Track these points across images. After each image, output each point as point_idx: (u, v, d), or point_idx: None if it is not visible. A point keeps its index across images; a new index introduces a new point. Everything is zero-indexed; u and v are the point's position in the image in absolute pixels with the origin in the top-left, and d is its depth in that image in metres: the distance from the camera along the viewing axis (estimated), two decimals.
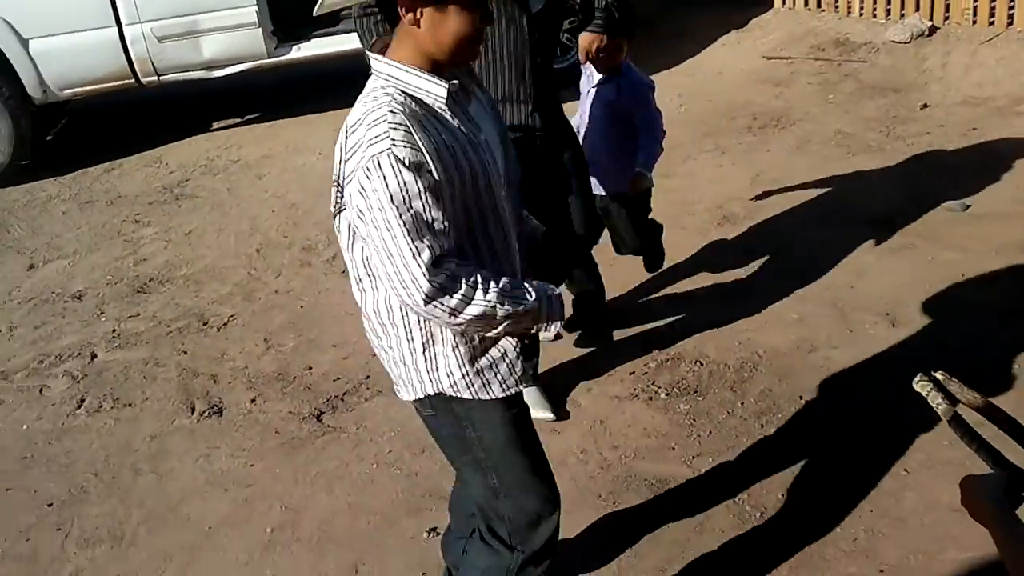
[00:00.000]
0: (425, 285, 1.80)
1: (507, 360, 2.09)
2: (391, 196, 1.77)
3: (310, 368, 4.14)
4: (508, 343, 2.07)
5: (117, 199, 6.47)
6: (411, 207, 1.78)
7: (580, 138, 3.67)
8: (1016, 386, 3.37)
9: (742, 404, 3.49)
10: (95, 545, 3.25)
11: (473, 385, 2.08)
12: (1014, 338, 3.64)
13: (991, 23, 6.62)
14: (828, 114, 6.20)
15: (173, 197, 6.38)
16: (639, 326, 4.08)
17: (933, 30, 6.82)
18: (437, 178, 1.80)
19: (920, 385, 1.89)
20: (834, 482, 3.06)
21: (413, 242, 1.78)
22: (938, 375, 1.89)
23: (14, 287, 5.30)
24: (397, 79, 1.88)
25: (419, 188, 1.77)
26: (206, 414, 3.89)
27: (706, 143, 5.95)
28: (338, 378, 4.03)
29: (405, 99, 1.85)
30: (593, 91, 3.79)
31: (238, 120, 7.82)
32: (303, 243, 5.40)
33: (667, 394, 3.59)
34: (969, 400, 1.82)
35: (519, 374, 2.11)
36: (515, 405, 2.18)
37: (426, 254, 1.79)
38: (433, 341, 2.03)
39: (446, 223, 1.83)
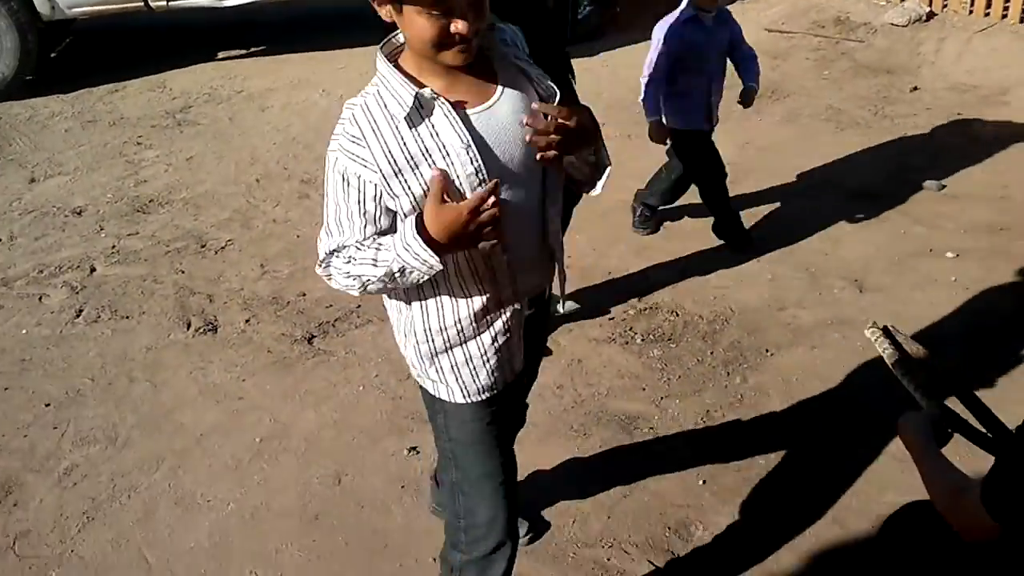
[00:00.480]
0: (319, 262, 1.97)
1: (470, 366, 2.05)
2: (327, 184, 1.90)
3: (304, 294, 4.29)
4: (474, 348, 2.04)
5: (119, 120, 6.57)
6: (334, 199, 1.88)
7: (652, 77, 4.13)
8: (964, 352, 3.56)
9: (711, 353, 3.67)
10: (90, 444, 3.42)
11: (437, 384, 2.09)
12: (971, 310, 3.83)
13: (987, 14, 6.76)
14: (822, 89, 6.35)
15: (175, 122, 6.49)
16: (622, 274, 4.26)
17: (931, 16, 6.96)
18: (367, 181, 1.83)
19: (871, 332, 2.08)
20: (794, 430, 3.25)
21: (326, 227, 1.93)
22: (888, 326, 2.07)
23: (15, 199, 5.41)
24: (383, 77, 1.85)
25: (342, 187, 1.85)
26: (201, 330, 4.05)
27: None
28: (330, 305, 4.18)
29: (377, 101, 1.84)
30: (702, 34, 4.12)
31: (243, 51, 7.90)
32: (302, 176, 5.54)
33: (642, 340, 3.77)
34: (912, 350, 2.02)
35: (483, 382, 2.07)
36: (485, 411, 2.10)
37: (324, 242, 1.94)
38: (405, 332, 2.08)
39: (361, 219, 1.87)
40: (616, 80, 6.79)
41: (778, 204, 4.80)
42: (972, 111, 5.80)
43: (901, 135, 5.55)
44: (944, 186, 4.84)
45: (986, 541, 1.56)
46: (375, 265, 1.86)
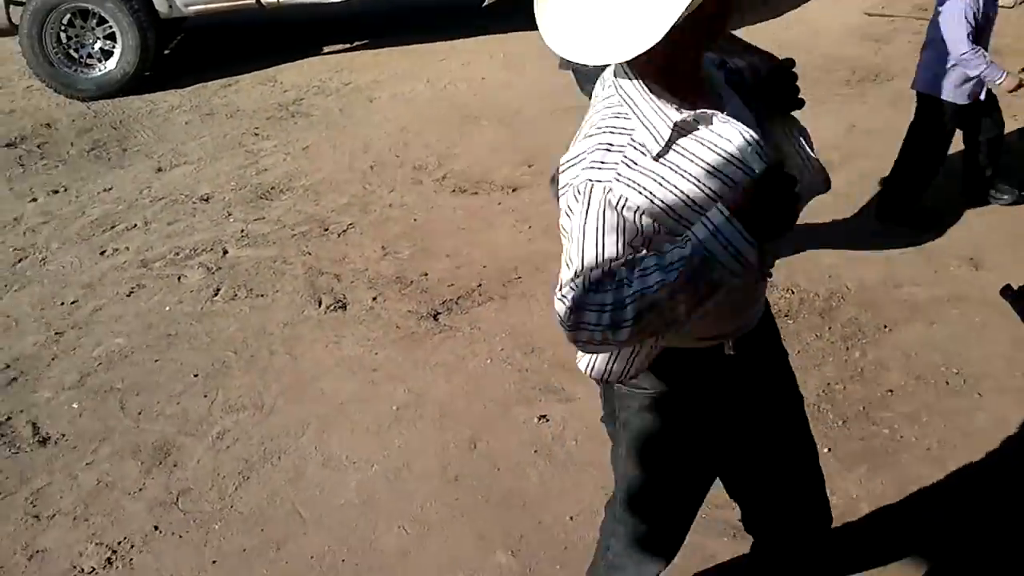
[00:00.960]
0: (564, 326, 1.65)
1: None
2: (584, 223, 1.63)
3: (426, 274, 4.48)
4: None
5: (236, 112, 6.86)
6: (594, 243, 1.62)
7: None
8: None
9: (829, 329, 3.76)
10: (239, 411, 3.66)
11: None
12: None
13: None
14: None
15: (289, 114, 6.75)
16: None
17: None
18: (633, 224, 1.62)
19: (1009, 293, 2.18)
20: (912, 401, 3.33)
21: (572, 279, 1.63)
22: (1013, 285, 2.18)
23: (144, 187, 5.71)
24: (632, 101, 1.65)
25: (606, 229, 1.62)
26: (332, 308, 4.27)
27: (803, 94, 6.12)
28: (452, 284, 4.37)
29: (630, 136, 1.63)
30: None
31: (347, 46, 8.15)
32: (414, 163, 5.74)
33: None
34: None
35: None
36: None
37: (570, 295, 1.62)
38: None
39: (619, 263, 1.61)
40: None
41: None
42: None
43: (1013, 119, 5.53)
44: None
45: None
46: (662, 271, 1.54)
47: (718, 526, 2.85)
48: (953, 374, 3.44)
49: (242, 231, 5.04)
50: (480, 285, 4.33)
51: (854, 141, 5.36)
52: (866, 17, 7.41)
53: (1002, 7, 6.82)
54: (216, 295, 4.45)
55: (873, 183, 4.84)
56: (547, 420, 3.41)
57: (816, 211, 4.55)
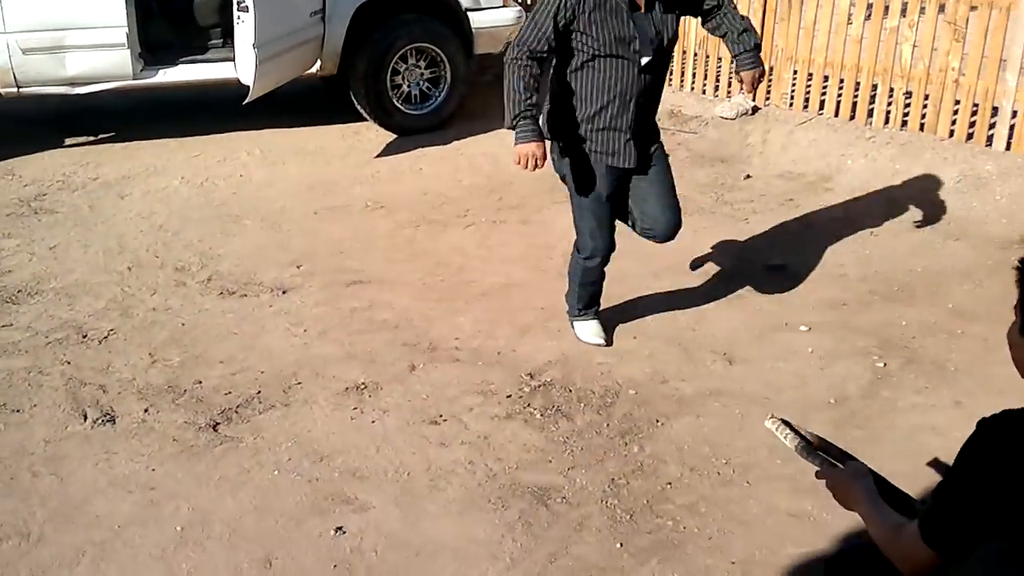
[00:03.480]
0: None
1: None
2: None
3: (200, 382, 4.33)
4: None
5: None
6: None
7: None
8: (834, 419, 4.00)
9: (608, 425, 3.96)
10: (1, 541, 3.36)
11: None
12: (831, 379, 4.29)
13: (805, 107, 7.52)
14: None
15: (32, 211, 6.37)
16: (511, 353, 4.52)
17: (755, 110, 7.66)
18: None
19: (771, 422, 2.43)
20: (690, 492, 3.56)
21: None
22: (783, 418, 2.43)
23: None
24: None
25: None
26: (99, 421, 4.02)
27: (557, 194, 6.47)
28: (229, 392, 4.25)
29: None
30: None
31: (92, 137, 7.82)
32: (175, 263, 5.56)
33: (542, 415, 4.02)
34: (811, 437, 2.37)
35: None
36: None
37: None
38: None
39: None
40: (473, 167, 7.17)
41: (640, 284, 5.16)
42: (801, 197, 6.45)
43: (743, 220, 6.11)
44: (786, 265, 5.37)
45: (924, 573, 1.86)
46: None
47: None
48: (723, 464, 3.70)
49: None
50: (259, 392, 4.24)
51: None
52: None
53: (723, 118, 7.57)
54: None
55: (626, 280, 5.19)
56: (344, 532, 3.37)
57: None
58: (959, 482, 1.79)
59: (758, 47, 4.24)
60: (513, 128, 3.96)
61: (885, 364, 4.37)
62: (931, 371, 4.33)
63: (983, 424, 1.77)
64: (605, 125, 4.09)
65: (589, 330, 4.58)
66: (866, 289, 5.14)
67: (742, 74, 4.27)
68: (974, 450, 1.76)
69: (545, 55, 3.96)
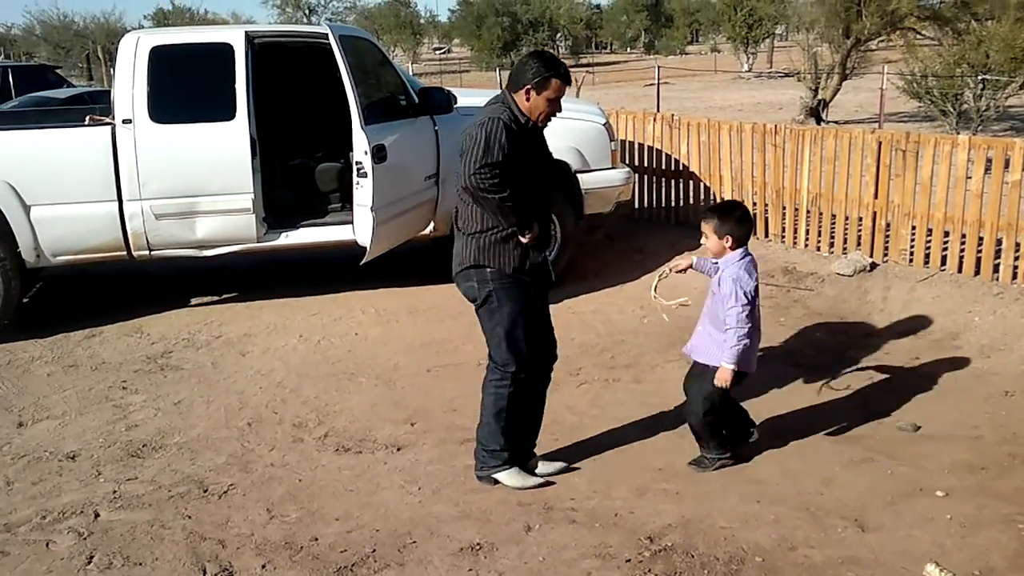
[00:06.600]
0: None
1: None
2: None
3: (316, 539, 4.34)
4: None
5: (101, 364, 6.67)
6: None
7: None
8: None
9: None
10: None
11: None
12: (973, 548, 4.06)
13: (925, 264, 7.42)
14: (780, 335, 6.81)
15: (158, 367, 6.61)
16: (628, 515, 4.42)
17: (874, 266, 7.60)
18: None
19: (932, 567, 2.32)
20: None
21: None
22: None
23: (5, 443, 5.41)
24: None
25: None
26: None
27: (671, 353, 6.47)
28: (344, 550, 4.23)
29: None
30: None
31: (216, 298, 8.14)
32: (293, 420, 5.67)
33: None
34: None
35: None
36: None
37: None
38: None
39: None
40: (584, 325, 7.21)
41: (765, 448, 5.05)
42: (928, 355, 6.30)
43: (868, 379, 5.97)
44: (919, 427, 5.20)
45: None
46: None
47: None
48: None
49: (114, 492, 4.79)
50: (374, 551, 4.22)
51: None
52: None
53: (840, 275, 7.51)
54: (89, 563, 4.17)
55: (753, 444, 5.08)
56: None
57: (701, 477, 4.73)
58: None
59: None
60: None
61: None
62: None
63: None
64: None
65: None
66: (1005, 452, 4.92)
67: None
68: None
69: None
